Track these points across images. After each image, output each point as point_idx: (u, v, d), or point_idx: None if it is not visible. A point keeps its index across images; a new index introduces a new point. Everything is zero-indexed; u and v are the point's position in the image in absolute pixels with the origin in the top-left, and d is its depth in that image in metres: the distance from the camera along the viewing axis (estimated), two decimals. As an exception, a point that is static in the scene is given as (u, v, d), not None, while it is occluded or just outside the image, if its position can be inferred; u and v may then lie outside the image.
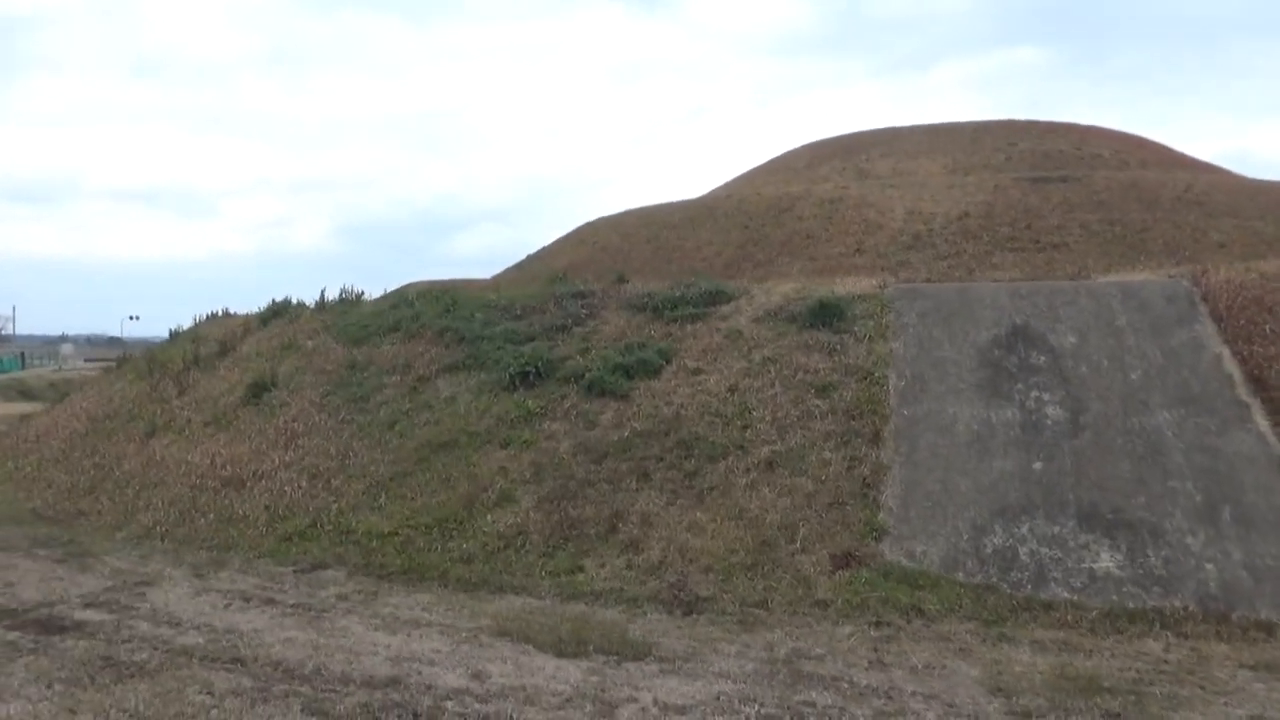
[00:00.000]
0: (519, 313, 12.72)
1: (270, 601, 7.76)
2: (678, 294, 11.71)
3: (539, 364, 10.98)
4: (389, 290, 17.56)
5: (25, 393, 40.50)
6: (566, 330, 11.87)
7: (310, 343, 14.36)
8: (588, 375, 10.57)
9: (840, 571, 7.47)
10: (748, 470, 8.84)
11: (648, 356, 10.52)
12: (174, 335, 22.41)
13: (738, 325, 11.05)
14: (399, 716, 5.29)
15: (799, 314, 10.87)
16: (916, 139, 27.62)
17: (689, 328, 11.20)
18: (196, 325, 22.17)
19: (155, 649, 6.50)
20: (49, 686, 5.75)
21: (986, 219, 19.13)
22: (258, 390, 13.13)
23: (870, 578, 7.38)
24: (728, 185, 30.08)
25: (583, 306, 12.27)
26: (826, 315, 10.55)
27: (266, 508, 10.28)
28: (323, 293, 16.75)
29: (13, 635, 6.84)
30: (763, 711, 5.38)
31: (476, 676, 5.94)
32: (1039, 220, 18.76)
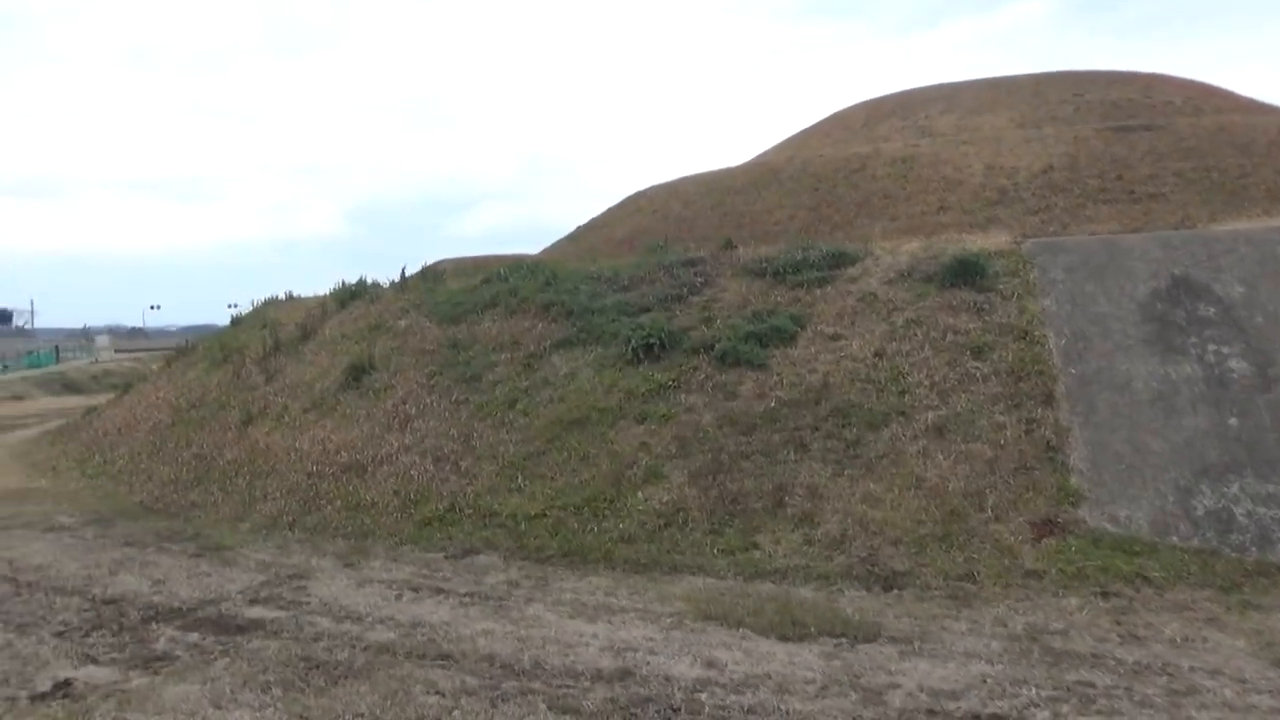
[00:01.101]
0: (626, 283, 12.30)
1: (439, 591, 7.43)
2: (798, 257, 11.25)
3: (661, 335, 10.57)
4: (411, 270, 17.27)
5: (69, 386, 40.59)
6: (682, 300, 11.44)
7: (402, 323, 14.00)
8: (718, 345, 10.15)
9: (1045, 540, 7.07)
10: (915, 437, 8.42)
11: (780, 323, 10.09)
12: (235, 321, 22.15)
13: (869, 287, 10.59)
14: (657, 712, 4.94)
15: (935, 273, 10.40)
16: (976, 94, 26.90)
17: (817, 292, 10.75)
18: (259, 310, 21.90)
19: (352, 647, 6.18)
20: (265, 691, 5.44)
21: (1072, 171, 18.52)
22: (356, 373, 12.80)
23: (1080, 545, 6.97)
24: (780, 147, 29.45)
25: (695, 274, 11.82)
26: (966, 273, 10.08)
27: (396, 493, 9.96)
28: (403, 271, 16.41)
29: (192, 637, 6.54)
30: (1041, 694, 5.01)
31: (711, 665, 5.59)
32: (1129, 170, 18.14)
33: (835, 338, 9.95)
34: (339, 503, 10.13)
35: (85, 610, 7.27)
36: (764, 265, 11.42)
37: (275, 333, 16.31)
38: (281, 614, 6.98)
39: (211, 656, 6.10)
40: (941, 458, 8.11)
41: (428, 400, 11.59)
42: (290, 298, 21.37)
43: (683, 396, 9.88)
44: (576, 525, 8.59)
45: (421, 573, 7.99)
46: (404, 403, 11.76)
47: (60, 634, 6.72)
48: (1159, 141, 19.06)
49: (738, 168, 25.89)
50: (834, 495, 8.09)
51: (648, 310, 11.36)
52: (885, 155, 21.23)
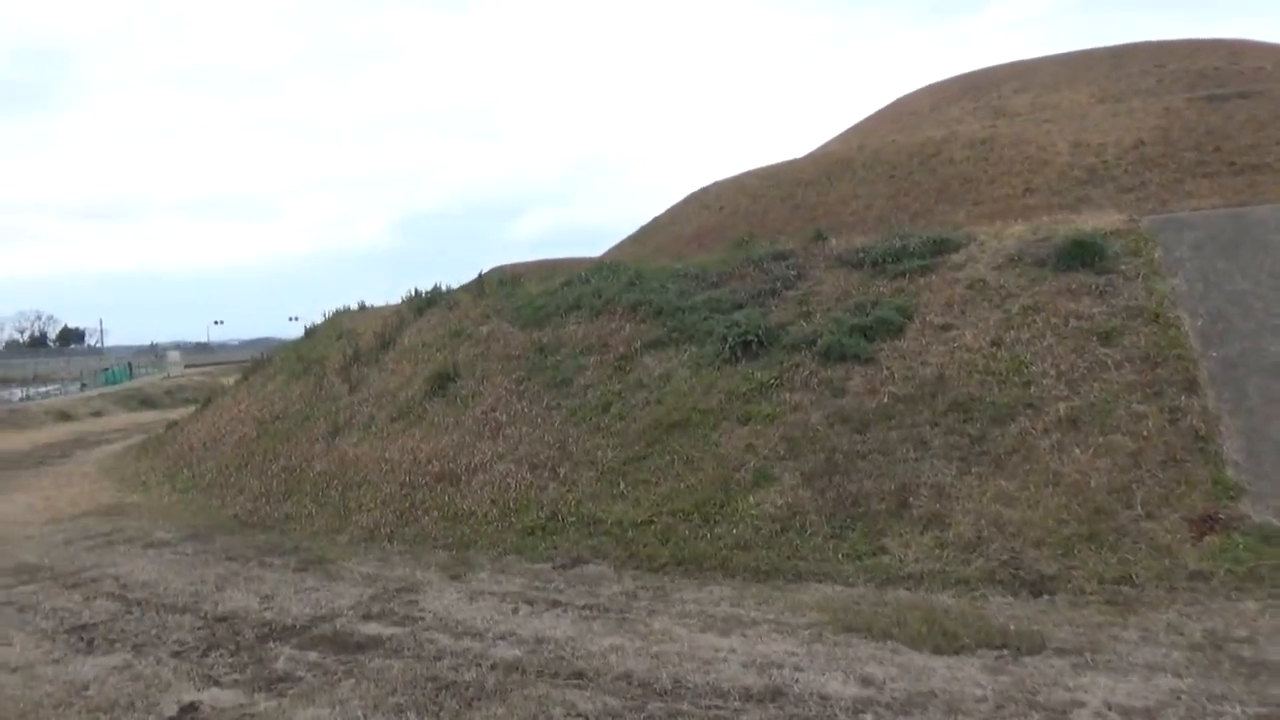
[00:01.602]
0: (715, 280, 11.94)
1: (555, 603, 7.15)
2: (897, 245, 10.77)
3: (759, 332, 10.19)
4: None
5: (145, 401, 41.51)
6: (776, 294, 11.05)
7: (483, 329, 13.82)
8: (821, 340, 9.74)
9: (1206, 538, 6.54)
10: (1046, 430, 7.92)
11: (886, 315, 9.64)
12: (310, 332, 22.27)
13: (978, 274, 10.08)
14: (824, 736, 4.58)
15: (1047, 257, 9.85)
16: (1050, 70, 26.02)
17: (921, 281, 10.27)
18: (332, 320, 22.00)
19: (478, 665, 5.92)
20: (398, 715, 5.20)
21: (1165, 145, 17.71)
22: (441, 381, 12.64)
23: (1247, 543, 6.43)
24: (846, 136, 28.85)
25: (787, 268, 11.41)
26: (1083, 255, 9.52)
27: (493, 502, 9.73)
28: (480, 276, 16.25)
29: (311, 656, 6.34)
30: (1248, 711, 4.53)
31: (867, 682, 5.20)
32: (1227, 141, 17.27)
33: (946, 328, 9.47)
34: (436, 513, 9.94)
35: (199, 628, 7.14)
36: (860, 255, 10.96)
37: (354, 343, 16.28)
38: (398, 630, 6.76)
39: (335, 677, 5.89)
40: (1078, 452, 7.60)
41: (518, 406, 11.36)
42: (363, 307, 21.42)
43: (787, 395, 9.49)
44: (687, 532, 8.25)
45: (533, 585, 7.73)
46: (493, 410, 11.55)
47: (177, 654, 6.59)
48: (1257, 109, 18.13)
49: (805, 159, 25.38)
50: (963, 495, 7.63)
51: (741, 307, 10.99)
52: (961, 138, 20.57)
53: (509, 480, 10.00)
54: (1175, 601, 6.06)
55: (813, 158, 24.63)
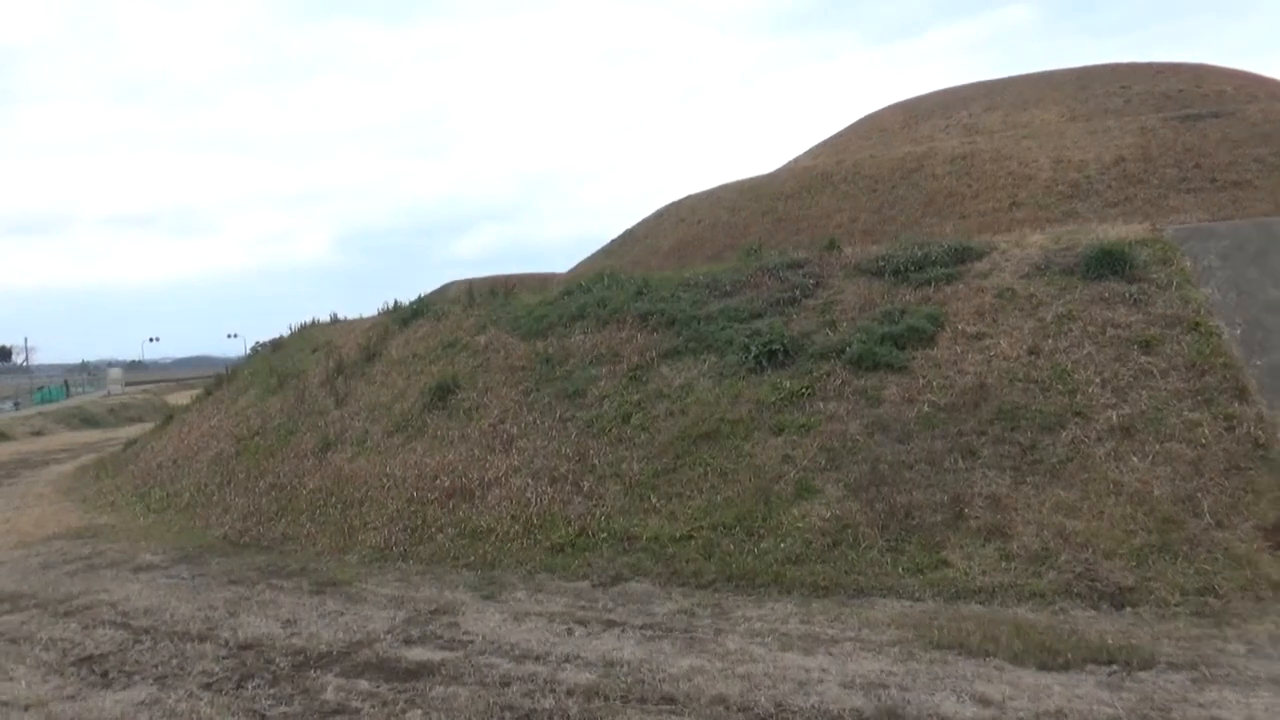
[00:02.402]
0: (728, 289, 11.67)
1: (610, 623, 6.76)
2: (918, 254, 10.63)
3: (783, 341, 9.94)
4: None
5: (87, 420, 39.85)
6: (795, 303, 10.82)
7: (480, 339, 13.36)
8: (850, 349, 9.52)
9: (1283, 547, 6.42)
10: (1099, 439, 7.78)
11: (917, 323, 9.47)
12: (278, 346, 21.48)
13: (1004, 282, 9.98)
14: (966, 761, 4.28)
15: (1075, 266, 9.79)
16: (1016, 90, 26.46)
17: (947, 289, 10.13)
18: (301, 334, 21.27)
19: (551, 691, 5.51)
20: (485, 748, 4.77)
21: (1145, 162, 18.02)
22: (442, 393, 12.15)
23: (1326, 552, 6.32)
24: (818, 152, 28.95)
25: (804, 276, 11.20)
26: (1113, 264, 9.47)
27: (513, 517, 9.29)
28: (470, 287, 15.77)
29: (361, 685, 5.86)
30: (1398, 725, 4.36)
31: (984, 702, 4.92)
32: (1206, 159, 17.64)
33: (979, 336, 9.32)
34: (451, 530, 9.47)
35: (223, 657, 6.60)
36: (880, 264, 10.80)
37: (336, 355, 15.66)
38: (448, 655, 6.30)
39: (397, 708, 5.42)
40: (1136, 460, 7.47)
41: (528, 418, 10.94)
42: (335, 320, 20.73)
43: (820, 404, 9.24)
44: (731, 546, 7.92)
45: (577, 604, 7.32)
46: (502, 422, 11.11)
47: (208, 685, 6.05)
48: (1231, 129, 18.56)
49: (782, 173, 25.39)
50: (1020, 505, 7.44)
51: (760, 315, 10.74)
52: (942, 154, 20.72)
53: (528, 495, 9.57)
54: (1267, 613, 5.91)
55: (790, 172, 24.63)
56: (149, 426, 37.67)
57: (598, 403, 10.68)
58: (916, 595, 6.80)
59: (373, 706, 5.48)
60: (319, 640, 6.83)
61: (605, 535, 8.59)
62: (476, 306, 14.75)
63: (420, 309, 15.84)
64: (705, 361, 10.51)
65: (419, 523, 9.79)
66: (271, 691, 5.84)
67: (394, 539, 9.62)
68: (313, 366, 16.61)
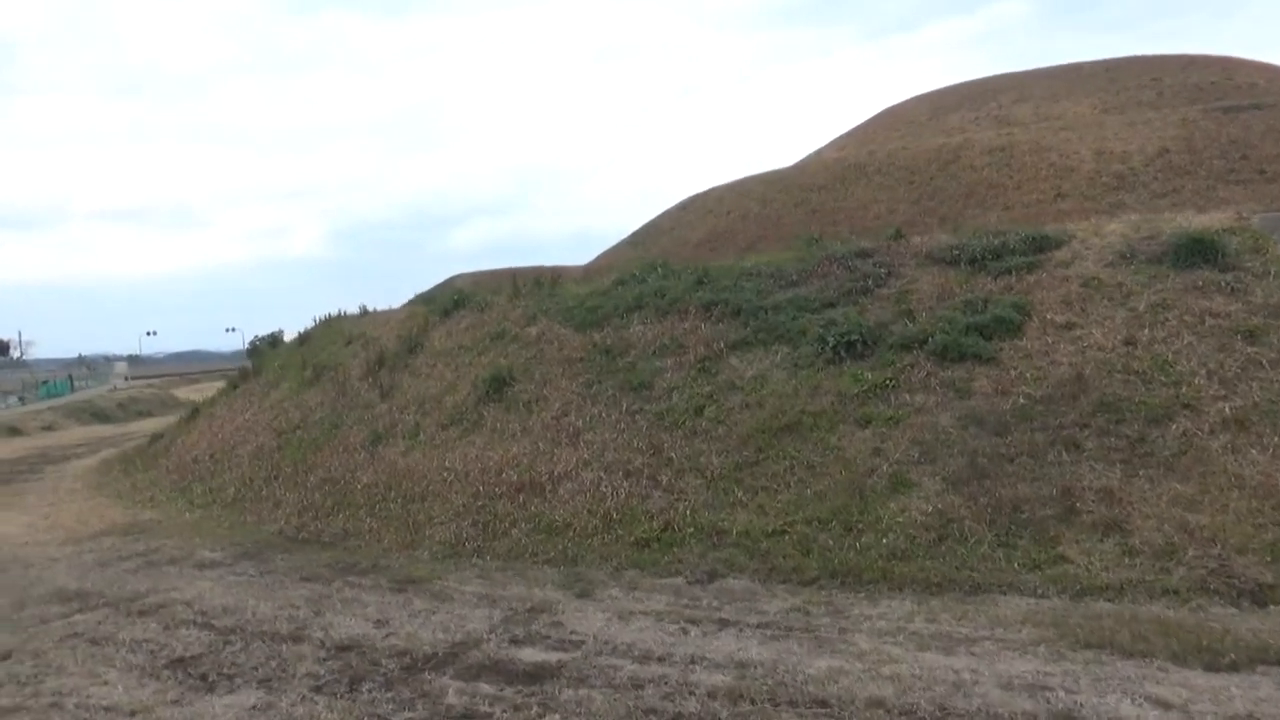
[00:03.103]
0: (794, 279, 11.43)
1: (723, 622, 6.52)
2: (995, 243, 10.40)
3: (861, 332, 9.70)
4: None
5: (97, 414, 39.50)
6: (867, 293, 10.58)
7: (531, 330, 13.10)
8: (934, 339, 9.29)
9: None
10: (1213, 431, 7.56)
11: (1003, 313, 9.24)
12: (304, 339, 21.20)
13: (1088, 271, 9.75)
14: (1174, 770, 4.05)
15: (1162, 254, 9.57)
16: (1045, 83, 26.24)
17: (1029, 279, 9.89)
18: (327, 326, 21.01)
19: (690, 694, 5.27)
20: (645, 755, 4.53)
21: (1190, 154, 17.81)
22: (498, 385, 11.89)
23: None
24: (842, 144, 28.71)
25: (874, 265, 10.96)
26: (1203, 253, 9.26)
27: (590, 512, 9.05)
28: (514, 278, 15.51)
29: (483, 688, 5.61)
30: None
31: (1163, 705, 4.69)
32: (1252, 150, 17.44)
33: (1069, 326, 9.09)
34: (525, 525, 9.22)
35: (324, 659, 6.35)
36: (955, 253, 10.57)
37: (377, 347, 15.39)
38: (564, 656, 6.06)
39: (531, 712, 5.18)
40: (1255, 453, 7.25)
41: (593, 411, 10.69)
42: (365, 312, 20.47)
43: (906, 396, 9.01)
44: (830, 542, 7.69)
45: (679, 602, 7.08)
46: (564, 414, 10.86)
47: (318, 688, 5.80)
48: (1275, 120, 18.36)
49: (810, 164, 25.15)
50: (1136, 499, 7.21)
51: (832, 305, 10.50)
52: (979, 145, 20.49)
53: (603, 489, 9.33)
54: None
55: (819, 163, 24.38)
56: (160, 421, 37.39)
57: (666, 395, 10.43)
58: (1038, 592, 6.57)
59: (504, 711, 5.24)
60: (420, 641, 6.58)
61: (691, 530, 8.35)
62: (522, 297, 14.49)
63: (461, 300, 15.57)
64: (777, 353, 10.27)
65: (489, 518, 9.54)
66: (389, 695, 5.59)
67: (464, 535, 9.37)
68: (349, 359, 16.33)
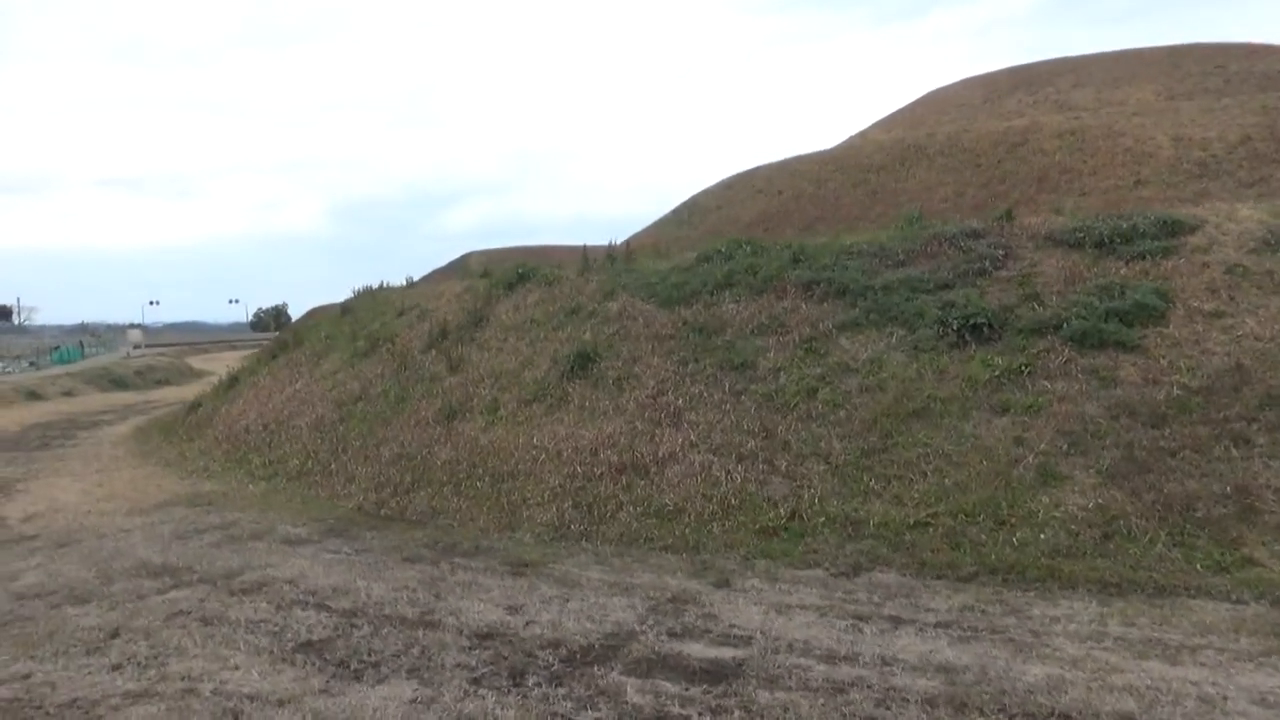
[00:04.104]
0: (901, 259, 10.91)
1: (898, 620, 6.06)
2: (1124, 226, 9.88)
3: (986, 315, 9.20)
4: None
5: (116, 381, 38.99)
6: (985, 274, 10.07)
7: (611, 305, 12.59)
8: (1070, 324, 8.79)
9: None
10: (1399, 428, 7.08)
11: (1145, 299, 8.74)
12: (347, 309, 20.67)
13: (1229, 258, 9.25)
14: None
15: (1308, 241, 9.06)
16: (1104, 67, 25.61)
17: (1165, 264, 9.39)
18: (370, 296, 20.52)
19: (904, 701, 4.81)
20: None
21: (1275, 141, 17.24)
22: (583, 361, 11.39)
23: None
24: (886, 126, 28.09)
25: (990, 246, 10.44)
26: (1357, 239, 8.74)
27: (705, 496, 8.58)
28: (584, 251, 14.99)
29: (664, 685, 5.15)
30: None
31: None
32: (1341, 140, 16.88)
33: (1218, 315, 8.59)
34: (633, 509, 8.75)
35: (468, 648, 5.88)
36: (1079, 235, 10.05)
37: (437, 320, 14.88)
38: (736, 652, 5.59)
39: (734, 716, 4.71)
40: None
41: (692, 390, 10.20)
42: (410, 284, 19.97)
43: (1044, 383, 8.52)
44: (983, 536, 7.22)
45: (834, 596, 6.62)
46: (660, 394, 10.37)
47: (477, 681, 5.34)
48: (1361, 111, 17.79)
49: (864, 145, 24.56)
50: (1322, 499, 6.73)
51: (948, 287, 9.99)
52: (1047, 128, 19.91)
53: (715, 473, 8.85)
54: None
55: (875, 144, 23.77)
56: (181, 390, 36.97)
57: (772, 376, 9.94)
58: (1233, 597, 6.10)
59: (700, 713, 4.77)
60: (565, 630, 6.12)
61: (822, 519, 7.88)
62: (594, 272, 13.96)
63: (525, 273, 15.04)
64: (892, 334, 9.77)
65: (591, 500, 9.07)
66: (563, 692, 5.13)
67: (567, 517, 8.90)
68: (404, 330, 15.83)
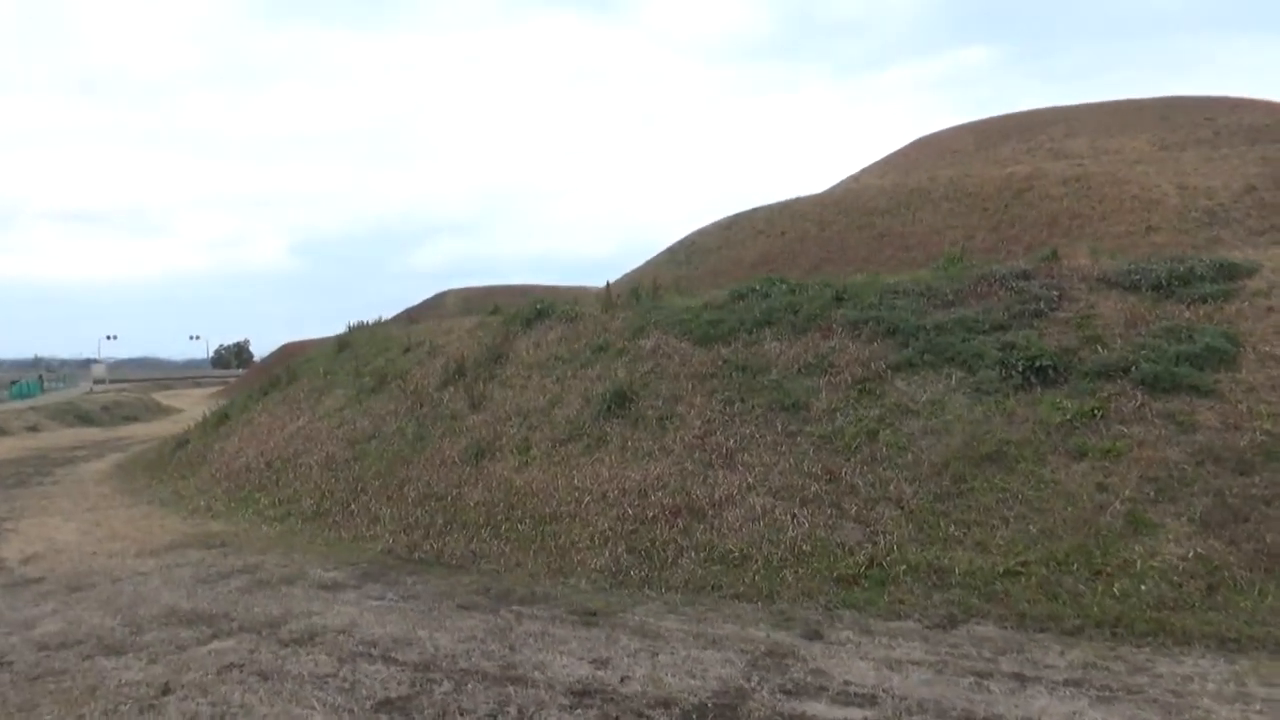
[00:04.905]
0: (950, 299, 10.73)
1: (1021, 678, 5.71)
2: (1180, 269, 9.80)
3: (1051, 357, 9.02)
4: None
5: (82, 417, 37.73)
6: (1040, 316, 9.91)
7: (644, 343, 12.25)
8: (1137, 368, 8.62)
9: None
10: None
11: (1214, 343, 8.61)
12: (344, 344, 20.12)
13: (1295, 303, 9.17)
14: None
15: (1370, 287, 9.01)
16: (1096, 118, 26.08)
17: (1227, 308, 9.29)
18: (370, 331, 20.01)
19: (1076, 768, 4.44)
20: None
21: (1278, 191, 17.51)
22: (620, 399, 11.02)
23: None
24: (878, 171, 28.30)
25: (1043, 288, 10.30)
26: None
27: (771, 542, 8.21)
28: (608, 286, 14.68)
29: (801, 750, 4.74)
30: None
31: None
32: (1343, 191, 17.19)
33: (1291, 360, 8.47)
34: (695, 554, 8.35)
35: (570, 706, 5.45)
36: (1135, 278, 9.94)
37: (453, 357, 14.43)
38: (864, 713, 5.22)
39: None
40: None
41: (742, 431, 9.87)
42: (412, 320, 19.46)
43: (1120, 428, 8.31)
44: (1080, 587, 6.92)
45: (940, 650, 6.26)
46: (708, 434, 10.02)
47: (592, 747, 4.88)
48: (1359, 164, 18.17)
49: (867, 188, 24.65)
50: None
51: (1003, 328, 9.81)
52: (1052, 175, 20.10)
53: (779, 516, 8.49)
54: None
55: (877, 187, 23.87)
56: (150, 426, 35.87)
57: (827, 417, 9.64)
58: (1364, 653, 5.84)
59: (859, 783, 4.37)
60: (668, 687, 5.69)
61: (904, 567, 7.53)
62: (620, 308, 13.65)
63: (544, 310, 14.68)
64: (950, 376, 9.54)
65: (647, 544, 8.65)
66: (695, 758, 4.69)
67: (623, 562, 8.47)
68: (414, 367, 15.35)
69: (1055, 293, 10.15)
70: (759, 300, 11.97)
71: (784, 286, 12.08)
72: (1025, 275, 10.61)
